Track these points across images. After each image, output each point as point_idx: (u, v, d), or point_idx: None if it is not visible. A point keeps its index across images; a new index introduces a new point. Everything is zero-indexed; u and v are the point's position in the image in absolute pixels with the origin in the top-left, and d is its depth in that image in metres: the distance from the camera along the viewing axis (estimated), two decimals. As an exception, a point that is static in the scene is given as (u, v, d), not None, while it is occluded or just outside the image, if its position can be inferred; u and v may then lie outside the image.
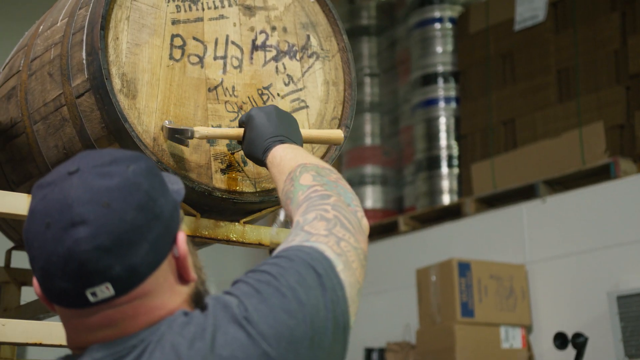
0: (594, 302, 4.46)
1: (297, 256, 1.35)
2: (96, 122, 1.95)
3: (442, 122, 5.86)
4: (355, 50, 6.55)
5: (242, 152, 2.03)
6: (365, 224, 1.55)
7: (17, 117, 2.18)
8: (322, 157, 2.17)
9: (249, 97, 2.10)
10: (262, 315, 1.27)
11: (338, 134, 2.04)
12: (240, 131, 1.93)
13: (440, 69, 5.94)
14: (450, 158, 5.81)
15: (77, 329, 1.29)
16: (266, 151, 1.83)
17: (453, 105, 5.88)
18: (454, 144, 5.83)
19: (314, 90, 2.20)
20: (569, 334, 4.15)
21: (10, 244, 2.69)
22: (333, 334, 1.32)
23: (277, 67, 2.16)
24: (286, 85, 2.17)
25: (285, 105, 2.14)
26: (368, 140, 6.41)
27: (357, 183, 6.31)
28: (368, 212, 6.23)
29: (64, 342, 1.72)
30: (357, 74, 6.45)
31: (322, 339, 1.30)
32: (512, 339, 4.69)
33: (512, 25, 5.50)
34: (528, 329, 4.81)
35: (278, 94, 2.15)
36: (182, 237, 1.33)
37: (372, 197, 6.28)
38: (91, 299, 1.24)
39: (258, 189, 2.06)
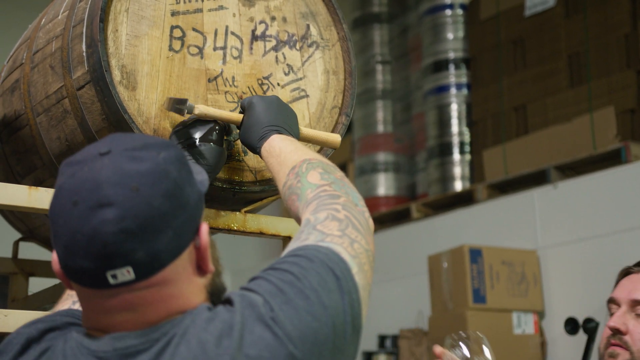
0: (605, 288, 4.44)
1: (316, 257, 1.35)
2: (97, 114, 1.97)
3: (454, 108, 5.86)
4: (366, 37, 6.55)
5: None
6: (371, 224, 1.55)
7: (21, 109, 2.20)
8: (318, 152, 2.19)
9: (249, 87, 2.12)
10: (288, 316, 1.28)
11: (335, 137, 2.04)
12: (239, 116, 1.93)
13: (451, 55, 5.93)
14: (462, 144, 5.80)
15: (96, 310, 1.30)
16: (262, 139, 1.83)
17: (464, 91, 5.87)
18: (466, 130, 5.82)
19: (314, 79, 2.21)
20: (581, 319, 4.16)
21: (18, 235, 2.72)
22: (350, 336, 1.33)
23: (277, 57, 2.17)
24: (286, 74, 2.18)
25: (285, 94, 2.16)
26: (380, 128, 6.41)
27: (369, 170, 6.32)
28: (380, 200, 6.25)
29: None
30: (369, 61, 6.45)
31: (342, 342, 1.31)
32: (524, 324, 4.70)
33: (522, 11, 5.48)
34: (540, 314, 4.80)
35: (278, 84, 2.16)
36: (204, 228, 1.34)
37: (385, 184, 6.29)
38: (111, 280, 1.25)
39: (258, 179, 2.08)
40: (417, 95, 6.27)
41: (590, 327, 4.09)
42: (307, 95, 2.19)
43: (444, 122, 5.86)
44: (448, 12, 5.98)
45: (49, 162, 2.17)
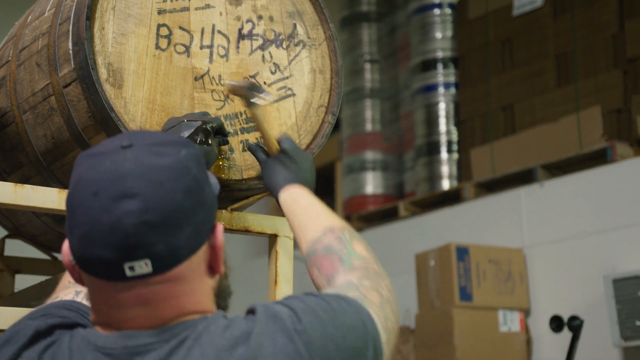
0: (591, 286, 4.49)
1: (356, 308, 1.35)
2: (83, 112, 1.97)
3: (442, 107, 5.88)
4: (355, 36, 6.56)
5: (229, 142, 2.05)
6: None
7: (7, 106, 2.20)
8: (311, 143, 2.20)
9: (235, 86, 2.12)
10: (315, 335, 1.28)
11: None
12: (276, 146, 1.95)
13: (439, 54, 5.94)
14: (449, 143, 5.82)
15: (108, 303, 1.29)
16: (288, 183, 1.85)
17: (452, 90, 5.89)
18: (454, 129, 5.84)
19: (300, 78, 2.22)
20: (566, 317, 4.18)
21: (4, 232, 2.72)
22: None
23: (263, 56, 2.18)
24: (273, 73, 2.18)
25: (272, 93, 2.16)
26: (369, 126, 6.43)
27: (357, 169, 6.34)
28: (368, 198, 6.27)
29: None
30: (357, 60, 6.47)
31: None
32: (510, 322, 4.72)
33: (510, 11, 5.50)
34: (526, 312, 4.83)
35: (265, 83, 2.17)
36: (220, 228, 1.35)
37: (373, 182, 6.30)
38: (128, 272, 1.24)
39: (245, 177, 2.08)
40: (406, 94, 6.28)
41: (574, 324, 4.12)
42: (294, 94, 2.20)
43: (432, 121, 5.88)
44: (437, 11, 6.00)
45: (35, 160, 2.17)
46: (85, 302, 1.51)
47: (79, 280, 1.33)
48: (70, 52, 1.97)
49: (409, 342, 5.08)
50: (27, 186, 1.93)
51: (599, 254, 4.53)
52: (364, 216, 6.16)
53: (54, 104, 2.04)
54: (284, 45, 2.22)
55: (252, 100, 1.94)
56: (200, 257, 1.31)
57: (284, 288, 2.13)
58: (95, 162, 1.28)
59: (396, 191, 6.32)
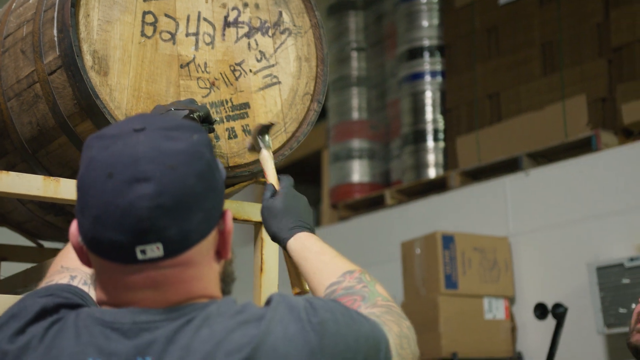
0: (575, 273, 4.51)
1: (373, 325, 1.37)
2: (68, 99, 1.97)
3: (428, 96, 5.88)
4: (342, 24, 6.56)
5: (215, 130, 2.06)
6: None
7: (-8, 93, 2.20)
8: (296, 131, 2.20)
9: (221, 74, 2.12)
10: (330, 331, 1.29)
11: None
12: (277, 184, 1.95)
13: (426, 43, 5.95)
14: (436, 132, 5.83)
15: (116, 285, 1.30)
16: (294, 229, 1.83)
17: (439, 79, 5.90)
18: (440, 117, 5.85)
19: (286, 66, 2.22)
20: (551, 305, 4.21)
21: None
22: None
23: (249, 44, 2.18)
24: (258, 61, 2.19)
25: (257, 81, 2.17)
26: (355, 115, 6.43)
27: (344, 157, 6.34)
28: (355, 186, 6.27)
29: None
30: (344, 48, 6.45)
31: None
32: (495, 310, 4.74)
33: (497, -1, 5.51)
34: (511, 300, 4.85)
35: (250, 70, 2.17)
36: (229, 213, 1.36)
37: (359, 171, 6.31)
38: (139, 256, 1.25)
39: (231, 164, 2.09)
40: (392, 83, 6.29)
41: (559, 312, 4.15)
42: (279, 82, 2.20)
43: (418, 110, 5.89)
44: (423, -1, 6.00)
45: (20, 147, 2.17)
46: (82, 287, 1.51)
47: (86, 262, 1.34)
48: (55, 39, 1.97)
49: (395, 330, 5.10)
50: (12, 173, 1.93)
51: (583, 242, 4.56)
52: (350, 204, 6.18)
53: (39, 91, 2.03)
54: (270, 33, 2.22)
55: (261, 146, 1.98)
56: (209, 242, 1.32)
57: (270, 275, 2.14)
58: (108, 144, 1.28)
59: (382, 179, 6.33)
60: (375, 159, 6.35)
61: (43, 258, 2.75)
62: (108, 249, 1.27)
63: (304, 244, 1.80)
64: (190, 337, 1.27)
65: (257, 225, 2.17)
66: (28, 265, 2.58)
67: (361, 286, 1.60)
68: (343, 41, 6.53)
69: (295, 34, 2.26)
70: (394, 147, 6.22)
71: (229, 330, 1.27)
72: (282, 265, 2.15)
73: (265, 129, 2.01)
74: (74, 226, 1.34)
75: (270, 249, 2.15)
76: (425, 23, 5.96)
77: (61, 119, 2.01)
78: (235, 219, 2.13)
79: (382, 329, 1.38)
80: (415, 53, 5.95)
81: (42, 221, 2.50)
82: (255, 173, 2.13)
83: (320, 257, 1.74)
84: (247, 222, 2.14)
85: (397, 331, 1.43)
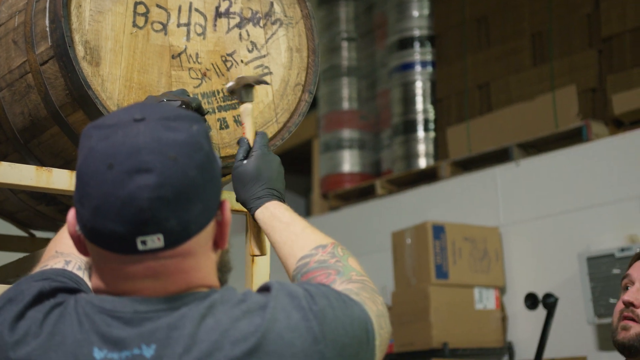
0: (565, 264, 4.53)
1: (360, 306, 1.39)
2: (60, 89, 1.97)
3: (419, 86, 5.90)
4: (332, 14, 6.56)
5: (206, 120, 2.06)
6: None
7: (-16, 84, 2.20)
8: (288, 121, 2.21)
9: (212, 64, 2.13)
10: (328, 317, 1.32)
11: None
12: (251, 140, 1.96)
13: (416, 33, 5.96)
14: (426, 122, 5.85)
15: (115, 275, 1.30)
16: (261, 198, 1.84)
17: (429, 69, 5.91)
18: (430, 107, 5.86)
19: (277, 56, 2.23)
20: (541, 295, 4.23)
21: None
22: None
23: (240, 34, 2.19)
24: (250, 52, 2.19)
25: (248, 71, 2.17)
26: (345, 105, 6.44)
27: (334, 147, 6.35)
28: (345, 176, 6.29)
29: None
30: (334, 38, 6.45)
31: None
32: (485, 300, 4.76)
33: (487, -11, 5.52)
34: (501, 290, 4.88)
35: (242, 61, 2.17)
36: (227, 204, 1.37)
37: (350, 161, 6.32)
38: (140, 246, 1.25)
39: (222, 155, 2.09)
40: (382, 73, 6.30)
41: (549, 302, 4.17)
42: (271, 73, 2.21)
43: (408, 100, 5.90)
44: (413, -11, 6.01)
45: (13, 137, 2.17)
46: (76, 272, 1.52)
47: (83, 251, 1.34)
48: (47, 29, 1.97)
49: (386, 319, 5.11)
50: (5, 163, 1.93)
51: (573, 233, 4.58)
52: (341, 194, 6.19)
53: (31, 81, 2.03)
54: (261, 24, 2.22)
55: (244, 99, 1.98)
56: (208, 233, 1.33)
57: (262, 265, 2.14)
58: (108, 134, 1.28)
59: (373, 169, 6.35)
60: (365, 149, 6.36)
61: (35, 248, 2.75)
62: (108, 240, 1.27)
63: (272, 213, 1.81)
64: (195, 326, 1.28)
65: (247, 216, 2.17)
66: (20, 255, 2.58)
67: (334, 260, 1.62)
68: (333, 31, 6.53)
69: (286, 25, 2.26)
70: (385, 137, 6.24)
71: (234, 319, 1.28)
72: (273, 255, 2.15)
73: (252, 84, 2.00)
74: (71, 215, 1.33)
75: (261, 238, 2.15)
76: (415, 13, 5.97)
77: (53, 109, 2.01)
78: (226, 209, 2.13)
79: (366, 310, 1.40)
80: (406, 43, 5.96)
81: (34, 211, 2.50)
82: (247, 163, 2.13)
83: (291, 227, 1.75)
84: (238, 212, 2.15)
85: (375, 310, 1.44)
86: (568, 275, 4.50)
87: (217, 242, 1.37)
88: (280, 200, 1.86)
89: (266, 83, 2.06)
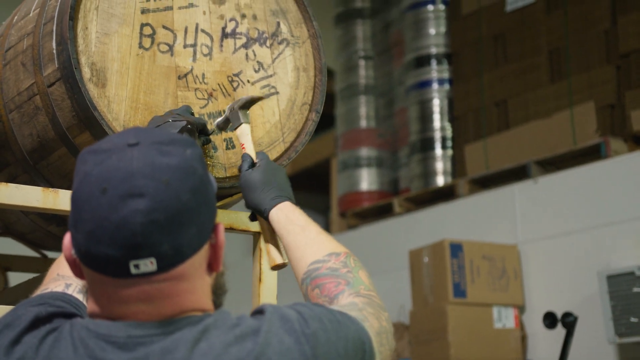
0: (585, 282, 4.49)
1: (357, 326, 1.40)
2: (67, 111, 1.99)
3: (436, 103, 5.88)
4: (349, 33, 6.57)
5: (212, 140, 2.07)
6: None
7: (-7, 106, 2.22)
8: (294, 141, 2.21)
9: (219, 84, 2.13)
10: (321, 341, 1.32)
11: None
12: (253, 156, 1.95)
13: (433, 50, 5.95)
14: (444, 139, 5.83)
15: (110, 299, 1.31)
16: (276, 198, 1.84)
17: (446, 87, 5.90)
18: (448, 125, 5.85)
19: (284, 76, 2.23)
20: (560, 314, 4.19)
21: None
22: None
23: (247, 54, 2.19)
24: (256, 72, 2.20)
25: (255, 91, 2.17)
26: (363, 123, 6.44)
27: (352, 165, 6.35)
28: (363, 194, 6.28)
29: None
30: (351, 57, 6.47)
31: None
32: (504, 318, 4.73)
33: (503, 6, 5.50)
34: (521, 308, 4.84)
35: (248, 81, 2.18)
36: (221, 227, 1.38)
37: (368, 179, 6.31)
38: (133, 270, 1.26)
39: (228, 174, 2.10)
40: (400, 91, 6.29)
41: (568, 321, 4.13)
42: (277, 92, 2.21)
43: (426, 118, 5.89)
44: (430, 7, 6.00)
45: (22, 158, 2.18)
46: (76, 295, 1.52)
47: (79, 274, 1.35)
48: (54, 51, 1.98)
49: (404, 339, 5.10)
50: (11, 185, 1.94)
51: (593, 250, 4.54)
52: (359, 213, 6.18)
53: (39, 103, 2.05)
54: (268, 44, 2.23)
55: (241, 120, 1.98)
56: (202, 256, 1.33)
57: (269, 285, 2.14)
58: (102, 159, 1.29)
59: (391, 187, 6.33)
60: (383, 167, 6.35)
61: (47, 268, 2.74)
62: (101, 263, 1.28)
63: (287, 215, 1.80)
64: (188, 350, 1.28)
65: (256, 235, 2.17)
66: (31, 276, 2.59)
67: (346, 270, 1.61)
68: (351, 50, 6.53)
69: (293, 44, 2.26)
70: (402, 155, 6.22)
71: (226, 345, 1.28)
72: (280, 276, 2.15)
73: (248, 104, 2.00)
74: (67, 239, 1.34)
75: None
76: (432, 31, 5.97)
77: (60, 131, 2.02)
78: (233, 229, 2.14)
79: (365, 328, 1.41)
80: (423, 61, 5.96)
81: (45, 232, 2.51)
82: (253, 183, 2.13)
83: (305, 231, 1.74)
84: (245, 232, 2.15)
85: (377, 327, 1.45)
86: (588, 294, 4.46)
87: (212, 265, 1.37)
88: (292, 203, 1.86)
89: (259, 99, 2.05)
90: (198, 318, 1.31)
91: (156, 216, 1.25)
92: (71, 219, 1.31)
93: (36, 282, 2.41)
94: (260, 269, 2.14)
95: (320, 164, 7.06)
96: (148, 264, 1.26)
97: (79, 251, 1.30)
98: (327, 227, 6.75)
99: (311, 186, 7.34)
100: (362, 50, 6.53)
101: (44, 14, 2.06)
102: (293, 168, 7.08)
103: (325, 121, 7.25)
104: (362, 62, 6.51)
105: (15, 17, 2.26)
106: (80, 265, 1.33)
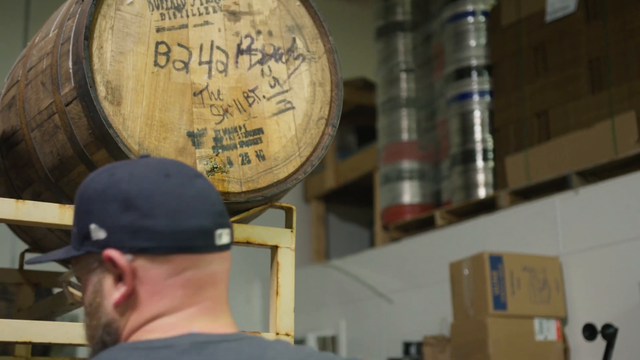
0: (627, 293, 4.43)
1: None
2: (84, 129, 2.03)
3: (477, 115, 5.85)
4: (390, 46, 6.58)
5: (227, 154, 2.09)
6: None
7: (17, 125, 2.27)
8: (311, 155, 2.22)
9: (234, 100, 2.16)
10: None
11: None
12: None
13: (473, 62, 5.92)
14: (485, 151, 5.80)
15: (186, 286, 1.32)
16: None
17: (487, 98, 5.87)
18: (489, 137, 5.81)
19: (300, 91, 2.25)
20: (600, 325, 4.13)
21: (24, 247, 2.79)
22: None
23: (262, 70, 2.22)
24: (272, 87, 2.22)
25: (271, 106, 2.19)
26: (405, 136, 6.43)
27: (394, 178, 6.34)
28: (405, 207, 6.26)
29: (53, 340, 1.79)
30: (392, 70, 6.46)
31: None
32: (546, 330, 4.68)
33: (543, 17, 5.46)
34: (563, 320, 4.78)
35: (264, 96, 2.20)
36: None
37: (410, 191, 6.30)
38: (217, 241, 1.34)
39: (244, 189, 2.12)
40: (441, 103, 6.27)
41: (608, 332, 4.07)
42: (293, 107, 2.23)
43: (467, 129, 5.86)
44: (470, 19, 5.98)
45: (44, 176, 2.23)
46: None
47: (132, 280, 1.31)
48: (71, 71, 2.03)
49: (446, 352, 5.07)
50: (29, 202, 1.99)
51: (636, 261, 4.47)
52: (401, 226, 6.17)
53: (57, 121, 2.09)
54: (283, 59, 2.25)
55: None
56: None
57: (286, 299, 2.15)
58: (134, 163, 1.38)
59: (433, 200, 6.31)
60: (425, 180, 6.33)
61: (76, 283, 2.80)
62: (191, 238, 1.32)
63: None
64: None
65: (273, 249, 2.19)
66: (57, 290, 2.64)
67: None
68: (392, 63, 6.54)
69: (309, 60, 2.28)
70: (444, 167, 6.20)
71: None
72: (297, 289, 2.17)
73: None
74: (112, 253, 1.30)
75: (286, 273, 2.17)
76: (472, 42, 5.95)
77: (78, 149, 2.06)
78: (249, 243, 2.16)
79: None
80: (463, 73, 5.93)
81: (72, 248, 2.55)
82: (269, 197, 2.16)
83: None
84: (262, 246, 2.17)
85: None
86: (630, 305, 4.40)
87: None
88: None
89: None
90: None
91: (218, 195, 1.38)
92: (137, 214, 1.30)
93: (63, 297, 2.47)
94: (277, 282, 2.15)
95: (364, 177, 7.06)
96: (226, 235, 1.35)
97: (161, 237, 1.30)
98: (372, 240, 6.74)
99: (356, 200, 7.35)
100: (403, 62, 6.53)
101: (62, 35, 2.11)
102: (337, 182, 7.11)
103: (368, 134, 7.26)
104: (403, 75, 6.51)
105: (37, 38, 2.32)
106: (140, 268, 1.31)
